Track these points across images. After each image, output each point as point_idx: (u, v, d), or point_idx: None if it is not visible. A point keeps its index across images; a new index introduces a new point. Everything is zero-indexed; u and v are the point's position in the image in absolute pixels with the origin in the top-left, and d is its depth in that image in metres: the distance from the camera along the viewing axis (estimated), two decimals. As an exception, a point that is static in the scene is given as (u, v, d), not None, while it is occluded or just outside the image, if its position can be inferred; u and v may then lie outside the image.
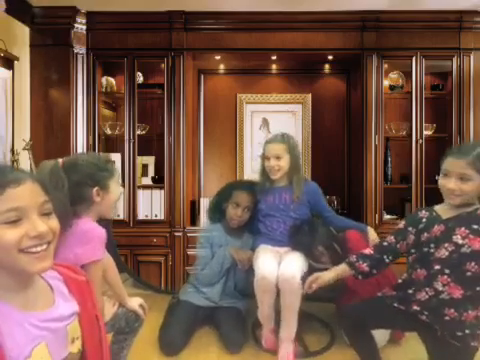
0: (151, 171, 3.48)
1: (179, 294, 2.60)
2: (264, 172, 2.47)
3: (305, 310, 2.27)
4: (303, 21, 3.21)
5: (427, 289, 1.63)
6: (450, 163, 1.61)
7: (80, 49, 3.19)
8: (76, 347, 0.91)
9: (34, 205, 0.83)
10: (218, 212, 2.58)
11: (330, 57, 3.52)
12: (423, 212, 1.73)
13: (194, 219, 3.45)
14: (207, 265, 2.48)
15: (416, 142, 3.23)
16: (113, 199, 1.56)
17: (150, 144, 3.49)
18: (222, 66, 3.73)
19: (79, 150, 3.18)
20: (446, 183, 1.61)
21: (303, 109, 3.72)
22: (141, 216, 3.30)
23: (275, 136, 2.51)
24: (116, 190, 1.57)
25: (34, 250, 0.81)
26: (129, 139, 3.24)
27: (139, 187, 3.31)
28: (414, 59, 3.23)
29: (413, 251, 1.72)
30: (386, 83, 3.39)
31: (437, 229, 1.64)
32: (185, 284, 2.73)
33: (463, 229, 1.58)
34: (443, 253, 1.59)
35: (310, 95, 3.72)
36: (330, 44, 3.27)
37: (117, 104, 3.63)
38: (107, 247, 1.59)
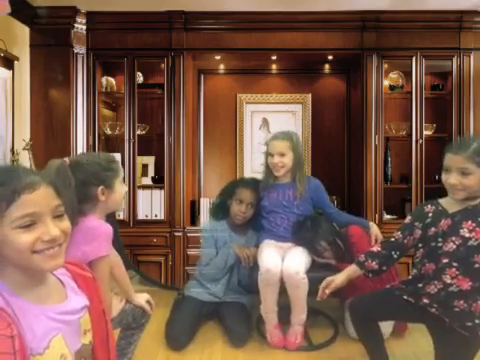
0: (151, 171, 3.48)
1: (184, 290, 2.63)
2: (268, 169, 2.50)
3: (309, 304, 2.32)
4: (303, 21, 3.21)
5: (436, 282, 1.66)
6: (450, 159, 1.63)
7: (80, 49, 3.19)
8: (87, 339, 0.96)
9: (48, 209, 0.86)
10: (222, 209, 2.62)
11: (330, 57, 3.52)
12: (429, 207, 1.75)
13: (194, 219, 3.45)
14: (211, 261, 2.51)
15: (416, 142, 3.23)
16: (118, 198, 1.59)
17: (150, 144, 3.49)
18: (222, 66, 3.73)
19: (79, 150, 3.18)
20: (447, 178, 1.63)
21: (303, 109, 3.72)
22: (141, 216, 3.30)
23: (279, 133, 2.55)
24: (120, 189, 1.60)
25: (47, 252, 0.85)
26: (129, 139, 3.24)
27: (139, 187, 3.31)
28: (414, 59, 3.23)
29: (420, 246, 1.74)
30: (386, 83, 3.38)
31: (444, 223, 1.66)
32: (190, 280, 2.77)
33: (470, 222, 1.61)
34: (451, 247, 1.62)
35: (310, 95, 3.72)
36: (330, 44, 3.27)
37: (117, 104, 3.62)
38: (114, 245, 1.60)
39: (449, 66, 3.26)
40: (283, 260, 2.27)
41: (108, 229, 1.50)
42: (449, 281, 1.62)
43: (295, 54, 3.38)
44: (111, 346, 1.03)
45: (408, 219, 1.81)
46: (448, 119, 3.31)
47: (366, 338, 1.88)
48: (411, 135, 3.24)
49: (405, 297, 1.78)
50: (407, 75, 3.35)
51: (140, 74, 3.46)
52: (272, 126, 3.70)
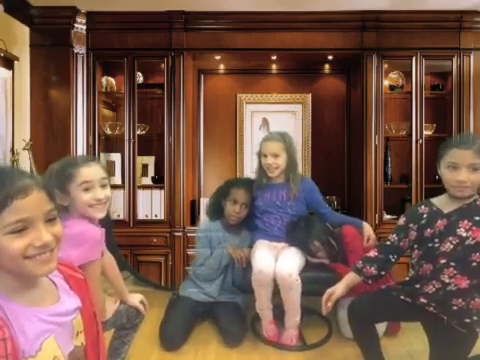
0: (151, 171, 3.48)
1: (179, 290, 2.63)
2: (261, 169, 2.50)
3: (303, 305, 2.33)
4: (303, 21, 3.21)
5: (434, 282, 1.65)
6: (458, 155, 1.59)
7: (80, 49, 3.19)
8: (80, 341, 0.95)
9: (40, 214, 0.85)
10: (217, 210, 2.62)
11: (330, 57, 3.52)
12: (422, 207, 1.74)
13: (194, 219, 3.45)
14: (206, 262, 2.51)
15: (416, 142, 3.23)
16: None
17: (150, 144, 3.49)
18: (222, 66, 3.73)
19: (79, 150, 3.18)
20: (456, 176, 1.59)
21: (303, 109, 3.72)
22: (141, 216, 3.30)
23: (272, 134, 2.56)
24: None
25: (38, 257, 0.84)
26: (129, 139, 3.24)
27: (139, 187, 3.31)
28: (414, 59, 3.23)
29: (416, 247, 1.73)
30: (386, 83, 3.38)
31: (440, 224, 1.65)
32: (185, 280, 2.77)
33: (466, 222, 1.60)
34: (448, 247, 1.62)
35: (310, 95, 3.72)
36: (330, 44, 3.27)
37: (117, 104, 3.62)
38: (108, 246, 1.60)
39: (449, 66, 3.26)
40: (276, 260, 2.28)
41: (95, 234, 1.49)
42: (447, 280, 1.62)
43: (295, 54, 3.38)
44: (102, 348, 1.03)
45: (402, 221, 1.78)
46: (448, 119, 3.31)
47: (363, 340, 1.87)
48: (411, 135, 3.24)
49: (402, 297, 1.77)
50: (407, 75, 3.35)
51: (140, 74, 3.46)
52: (272, 126, 3.70)
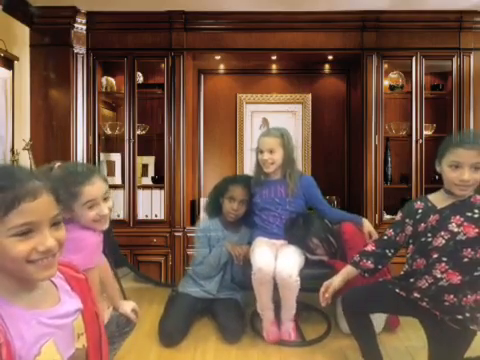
0: (151, 171, 3.48)
1: (178, 287, 2.64)
2: (258, 166, 2.51)
3: (302, 300, 2.34)
4: (303, 21, 3.21)
5: (427, 277, 1.67)
6: (462, 154, 1.58)
7: (80, 49, 3.19)
8: (81, 343, 0.94)
9: (47, 218, 0.84)
10: (215, 207, 2.62)
11: (330, 57, 3.52)
12: (418, 203, 1.76)
13: (194, 219, 3.44)
14: (205, 260, 2.52)
15: (416, 142, 3.23)
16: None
17: (150, 144, 3.49)
18: (222, 66, 3.73)
19: (79, 150, 3.18)
20: (459, 175, 1.59)
21: (303, 109, 3.73)
22: (141, 216, 3.30)
23: (269, 130, 2.56)
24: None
25: (40, 262, 0.83)
26: (129, 139, 3.24)
27: (139, 187, 3.31)
28: (414, 59, 3.23)
29: (411, 242, 1.75)
30: (386, 83, 3.39)
31: (433, 219, 1.67)
32: (184, 277, 2.78)
33: (458, 217, 1.61)
34: (440, 242, 1.63)
35: (310, 95, 3.72)
36: (330, 44, 3.27)
37: (117, 104, 3.62)
38: (108, 246, 1.59)
39: (449, 66, 3.26)
40: (276, 258, 2.28)
41: (94, 241, 1.49)
42: (439, 276, 1.63)
43: (295, 54, 3.38)
44: (104, 351, 1.01)
45: (399, 216, 1.82)
46: (448, 119, 3.31)
47: (358, 332, 1.88)
48: (411, 135, 3.24)
49: (397, 290, 1.79)
50: (407, 75, 3.35)
51: (140, 74, 3.46)
52: (272, 126, 3.70)
